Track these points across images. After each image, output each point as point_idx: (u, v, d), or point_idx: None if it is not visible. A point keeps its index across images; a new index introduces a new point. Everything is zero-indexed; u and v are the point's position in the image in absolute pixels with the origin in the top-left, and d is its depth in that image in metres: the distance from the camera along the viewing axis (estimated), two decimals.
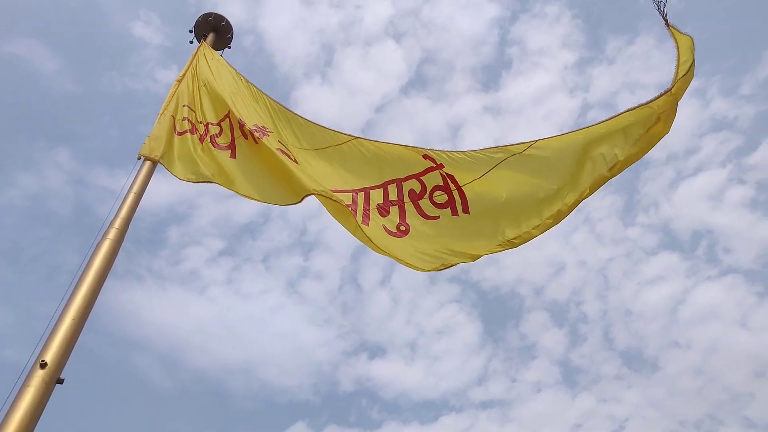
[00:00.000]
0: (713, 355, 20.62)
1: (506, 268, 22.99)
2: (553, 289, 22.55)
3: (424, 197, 4.32)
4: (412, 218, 4.23)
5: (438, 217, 4.18)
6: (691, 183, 21.83)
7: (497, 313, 23.61)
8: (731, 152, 21.25)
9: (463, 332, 22.87)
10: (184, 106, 5.07)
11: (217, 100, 5.13)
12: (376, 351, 22.26)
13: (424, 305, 23.11)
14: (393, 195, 4.40)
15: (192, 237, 21.95)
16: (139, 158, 4.39)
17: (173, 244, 21.92)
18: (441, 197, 4.27)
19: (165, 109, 4.87)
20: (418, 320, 22.83)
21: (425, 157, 4.45)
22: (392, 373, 21.43)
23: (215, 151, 4.75)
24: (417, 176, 4.42)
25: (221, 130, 4.97)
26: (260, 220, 22.86)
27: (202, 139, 4.86)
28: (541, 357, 21.88)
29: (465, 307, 23.02)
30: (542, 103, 23.27)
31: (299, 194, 4.23)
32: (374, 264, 23.21)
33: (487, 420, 20.45)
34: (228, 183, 4.50)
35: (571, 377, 21.19)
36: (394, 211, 4.30)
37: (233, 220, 22.72)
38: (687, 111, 22.03)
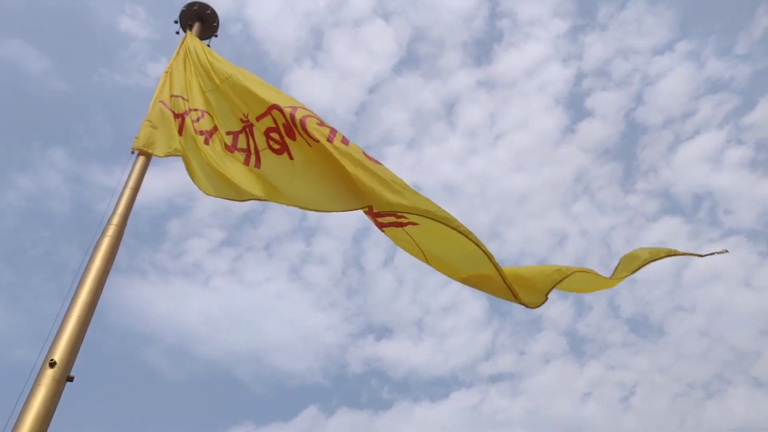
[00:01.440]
0: (718, 316, 20.80)
1: (508, 242, 23.04)
2: (556, 260, 22.49)
3: None
4: None
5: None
6: (689, 146, 21.75)
7: None
8: (729, 113, 21.11)
9: (468, 309, 23.03)
10: (177, 97, 4.89)
11: (242, 99, 4.74)
12: (383, 332, 22.45)
13: (428, 284, 23.21)
14: None
15: (192, 229, 21.99)
16: (132, 152, 4.37)
17: (174, 237, 21.97)
18: None
19: (156, 101, 4.82)
20: (424, 299, 22.97)
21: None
22: (400, 353, 21.62)
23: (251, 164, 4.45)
24: None
25: (248, 135, 4.62)
26: (260, 208, 22.84)
27: (230, 149, 4.57)
28: (547, 329, 22.03)
29: None
30: (536, 74, 23.10)
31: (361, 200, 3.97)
32: (376, 245, 23.29)
33: (498, 393, 20.71)
34: (274, 196, 4.25)
35: (578, 347, 21.39)
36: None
37: (233, 209, 22.78)
38: (682, 73, 21.93)
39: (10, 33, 18.65)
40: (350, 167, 4.01)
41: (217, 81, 4.95)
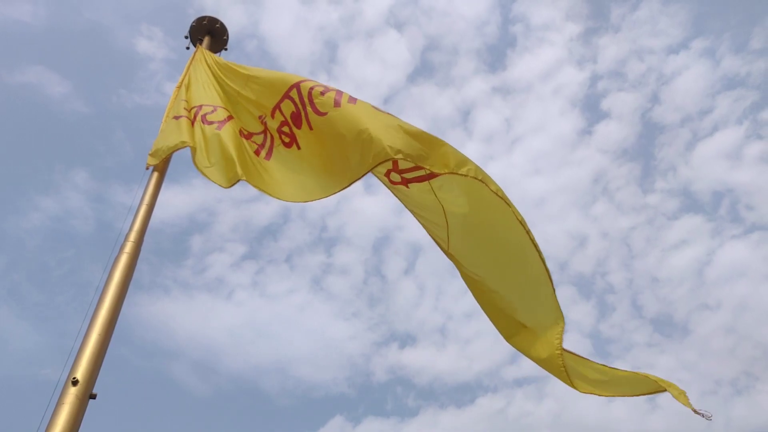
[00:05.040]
0: (744, 312, 20.34)
1: None
2: (578, 262, 22.29)
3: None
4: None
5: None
6: (708, 143, 21.35)
7: None
8: (746, 109, 20.71)
9: None
10: (196, 107, 4.86)
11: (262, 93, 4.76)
12: (406, 339, 22.30)
13: (449, 290, 23.01)
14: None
15: (214, 244, 22.14)
16: (147, 168, 4.40)
17: (196, 253, 22.14)
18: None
19: (167, 116, 4.86)
20: (446, 306, 22.79)
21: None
22: (424, 360, 21.46)
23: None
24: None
25: (265, 135, 4.66)
26: (280, 221, 22.94)
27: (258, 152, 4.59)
28: (571, 331, 21.44)
29: None
30: (551, 78, 22.91)
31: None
32: (396, 254, 23.22)
33: (523, 397, 20.45)
34: (274, 190, 4.25)
35: (602, 348, 21.01)
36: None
37: (253, 223, 22.85)
38: (698, 71, 21.65)
39: (33, 60, 19.12)
40: (363, 122, 3.84)
41: (237, 87, 4.93)
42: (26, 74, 18.84)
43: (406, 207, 4.29)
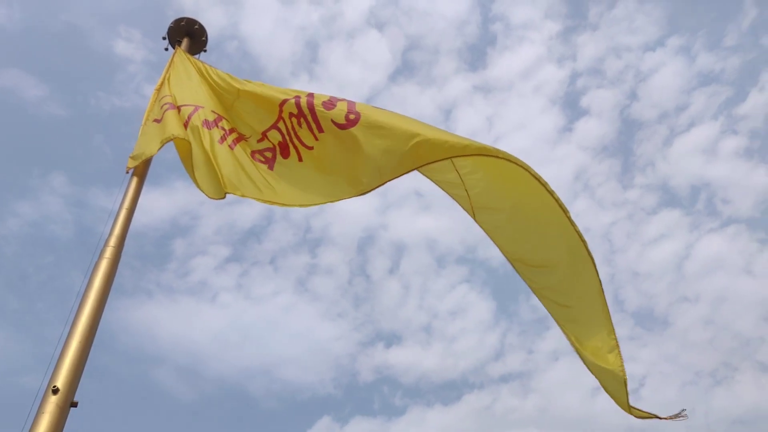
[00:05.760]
0: (722, 304, 20.86)
1: None
2: None
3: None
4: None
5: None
6: (684, 139, 21.83)
7: (508, 289, 23.63)
8: (721, 104, 21.25)
9: (475, 311, 22.96)
10: (186, 106, 4.77)
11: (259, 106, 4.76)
12: (392, 339, 22.37)
13: (434, 289, 23.16)
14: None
15: (197, 247, 21.97)
16: (126, 172, 4.33)
17: (179, 257, 21.95)
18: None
19: (147, 119, 4.79)
20: (431, 304, 22.92)
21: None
22: (410, 359, 21.55)
23: (259, 165, 4.45)
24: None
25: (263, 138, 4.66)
26: (264, 223, 22.84)
27: (254, 155, 4.57)
28: (554, 327, 21.37)
29: (476, 286, 23.06)
30: (531, 76, 23.18)
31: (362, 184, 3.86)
32: (381, 253, 23.26)
33: (509, 393, 20.65)
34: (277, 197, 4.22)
35: None
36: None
37: (237, 225, 22.72)
38: (674, 68, 22.08)
39: (8, 62, 18.78)
40: (352, 153, 3.92)
41: (231, 98, 4.93)
42: (2, 77, 18.54)
43: (429, 179, 4.40)
